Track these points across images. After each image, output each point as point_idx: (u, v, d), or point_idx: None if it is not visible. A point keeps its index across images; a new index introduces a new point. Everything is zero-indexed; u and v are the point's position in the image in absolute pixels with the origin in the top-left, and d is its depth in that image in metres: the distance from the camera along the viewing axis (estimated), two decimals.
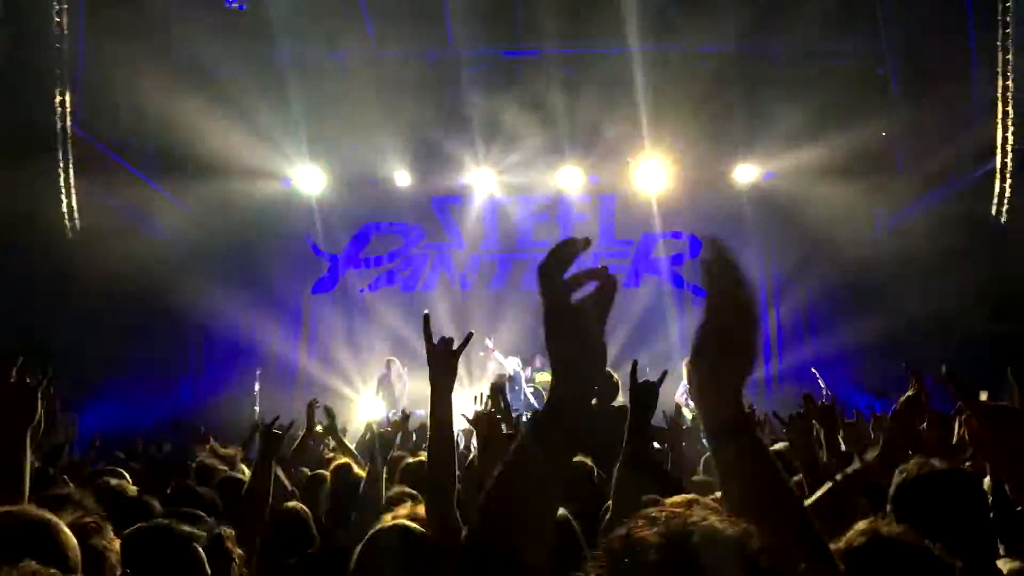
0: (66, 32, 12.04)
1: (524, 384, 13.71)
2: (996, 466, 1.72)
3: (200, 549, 2.22)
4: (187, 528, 2.40)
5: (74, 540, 1.94)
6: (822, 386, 11.22)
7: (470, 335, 2.92)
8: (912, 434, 3.28)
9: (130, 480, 4.99)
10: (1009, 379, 2.08)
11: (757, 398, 12.12)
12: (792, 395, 9.42)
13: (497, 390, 4.56)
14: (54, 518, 1.96)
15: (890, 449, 2.82)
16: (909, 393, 3.10)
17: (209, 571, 2.25)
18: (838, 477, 2.63)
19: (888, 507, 2.46)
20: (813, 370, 12.03)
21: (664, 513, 1.09)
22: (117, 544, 2.22)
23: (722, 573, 1.02)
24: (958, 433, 3.05)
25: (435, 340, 2.83)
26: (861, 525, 2.09)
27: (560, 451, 1.38)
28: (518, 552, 1.30)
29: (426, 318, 2.84)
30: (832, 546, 1.99)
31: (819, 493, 2.58)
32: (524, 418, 4.55)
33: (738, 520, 1.09)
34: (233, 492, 4.39)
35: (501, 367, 13.71)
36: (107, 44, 12.30)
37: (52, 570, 1.23)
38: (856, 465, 2.77)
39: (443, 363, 2.80)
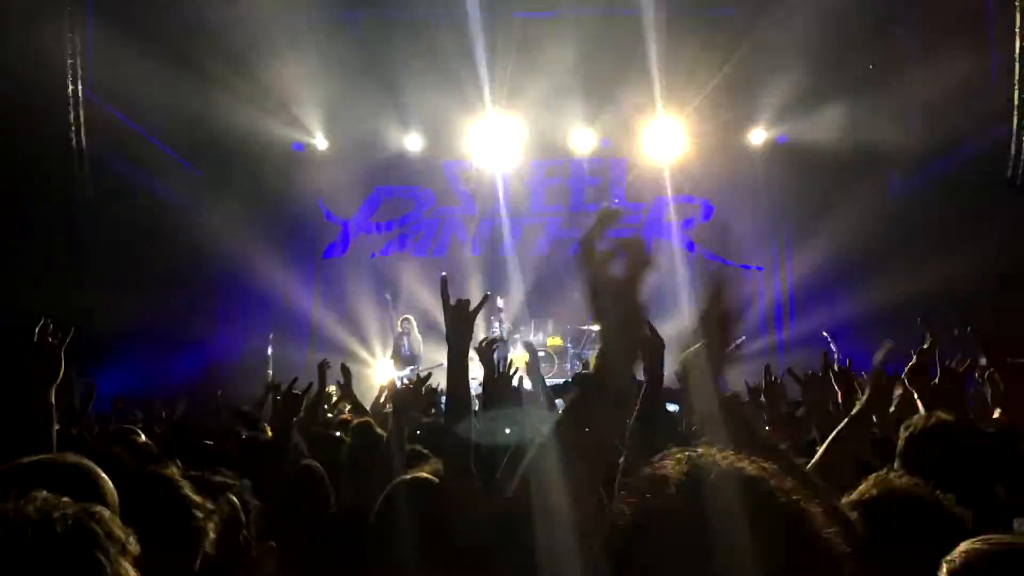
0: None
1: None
2: (1013, 419, 1.76)
3: (194, 501, 2.22)
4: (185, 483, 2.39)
5: (111, 484, 1.98)
6: (834, 350, 11.22)
7: (487, 296, 2.94)
8: (929, 389, 3.32)
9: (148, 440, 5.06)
10: None
11: (771, 360, 12.22)
12: (805, 358, 9.44)
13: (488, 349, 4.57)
14: (91, 463, 2.00)
15: (877, 395, 2.84)
16: (924, 347, 3.13)
17: (203, 524, 2.24)
18: (839, 428, 2.66)
19: (897, 461, 2.50)
20: (825, 334, 12.03)
21: (686, 453, 1.13)
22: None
23: (739, 508, 1.05)
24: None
25: (452, 302, 2.84)
26: (873, 478, 2.12)
27: (610, 415, 1.43)
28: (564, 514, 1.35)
29: (444, 280, 2.84)
30: (845, 499, 2.03)
31: (823, 448, 2.61)
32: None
33: (758, 461, 1.12)
34: (253, 453, 4.47)
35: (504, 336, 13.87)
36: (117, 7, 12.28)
37: (64, 498, 1.27)
38: (853, 413, 2.79)
39: (460, 325, 2.81)
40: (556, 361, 14.78)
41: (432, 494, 2.55)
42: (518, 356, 13.02)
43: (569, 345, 15.16)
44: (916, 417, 2.58)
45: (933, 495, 2.03)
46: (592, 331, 14.12)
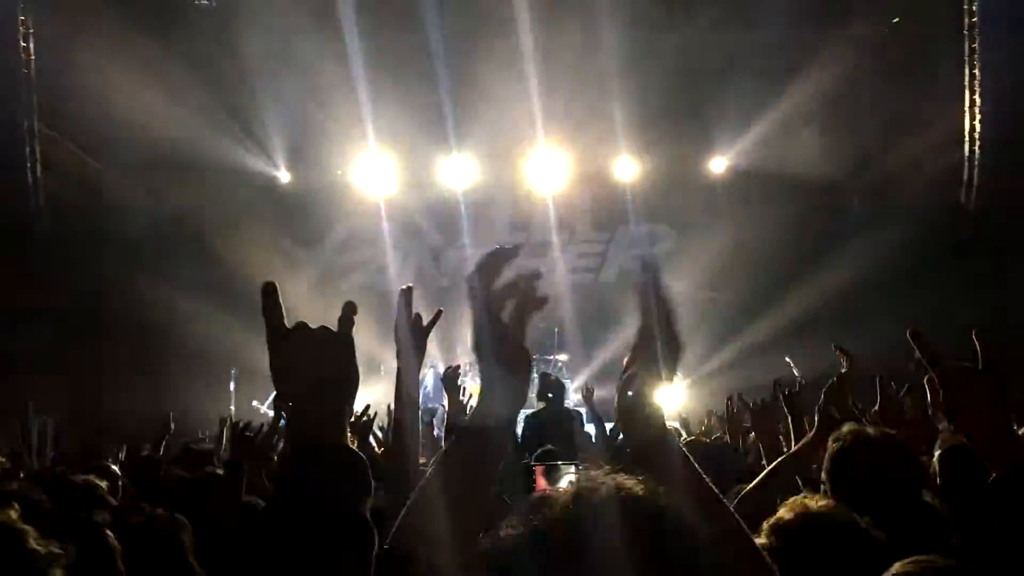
0: (31, 30, 11.96)
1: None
2: (959, 427, 1.76)
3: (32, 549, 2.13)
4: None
5: None
6: (796, 374, 11.25)
7: (439, 313, 2.85)
8: (894, 404, 3.34)
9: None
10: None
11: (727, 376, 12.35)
12: (762, 376, 9.34)
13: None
14: None
15: (825, 429, 2.85)
16: (842, 371, 3.15)
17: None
18: (778, 462, 2.66)
19: (823, 476, 2.50)
20: (787, 359, 12.07)
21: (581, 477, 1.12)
22: None
23: (626, 528, 1.03)
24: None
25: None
26: (789, 502, 2.11)
27: (482, 464, 1.41)
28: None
29: (407, 292, 2.63)
30: (765, 523, 2.02)
31: (759, 478, 2.60)
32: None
33: (650, 481, 1.10)
34: (200, 490, 4.38)
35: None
36: (73, 40, 12.17)
37: None
38: (795, 448, 2.80)
39: (414, 339, 2.70)
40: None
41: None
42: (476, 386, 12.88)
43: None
44: (844, 430, 2.60)
45: (850, 516, 2.02)
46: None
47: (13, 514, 2.11)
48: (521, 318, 1.42)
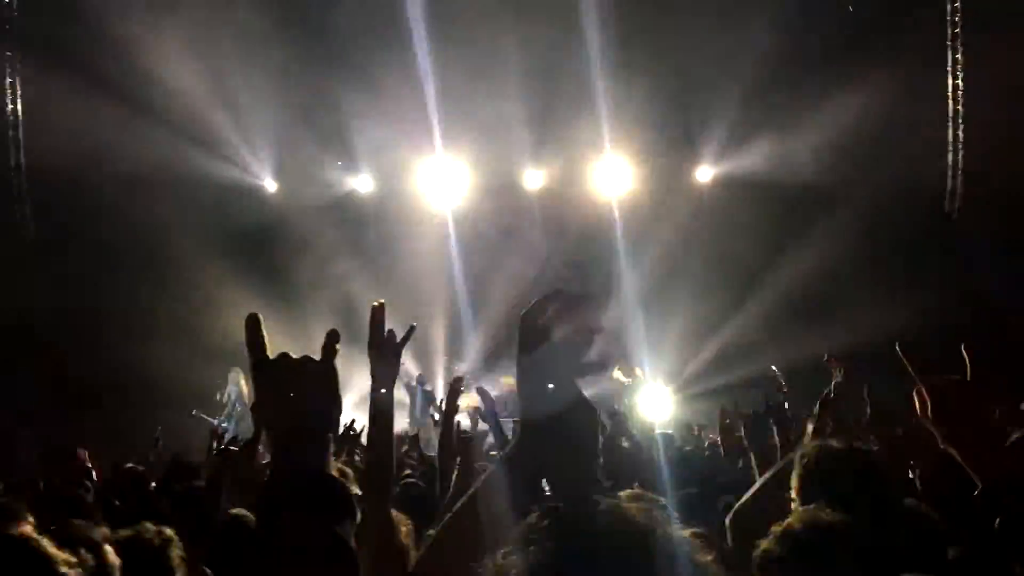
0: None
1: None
2: (948, 438, 1.77)
3: (56, 556, 2.14)
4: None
5: None
6: (782, 382, 11.26)
7: (412, 328, 2.83)
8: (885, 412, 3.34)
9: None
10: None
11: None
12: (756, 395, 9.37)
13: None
14: None
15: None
16: (836, 380, 3.16)
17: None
18: (770, 473, 2.67)
19: (793, 492, 2.51)
20: (773, 368, 12.08)
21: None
22: None
23: (625, 553, 1.05)
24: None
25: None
26: (801, 510, 2.12)
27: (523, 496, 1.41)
28: None
29: (380, 308, 2.55)
30: (773, 529, 2.03)
31: (752, 490, 2.61)
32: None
33: (652, 508, 1.11)
34: (185, 503, 4.35)
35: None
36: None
37: None
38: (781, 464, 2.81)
39: (388, 356, 2.68)
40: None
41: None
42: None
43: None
44: (809, 445, 2.61)
45: (860, 529, 2.04)
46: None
47: (30, 527, 2.11)
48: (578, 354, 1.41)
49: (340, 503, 1.30)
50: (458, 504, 1.48)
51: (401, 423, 12.39)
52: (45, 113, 12.71)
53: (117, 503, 4.87)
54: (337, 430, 1.41)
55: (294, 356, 1.37)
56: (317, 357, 1.38)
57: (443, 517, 1.64)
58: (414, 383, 13.85)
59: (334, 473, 1.34)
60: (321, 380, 1.36)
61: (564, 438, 1.42)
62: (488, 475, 1.49)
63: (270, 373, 1.36)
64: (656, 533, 1.08)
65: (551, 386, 1.41)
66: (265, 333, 1.37)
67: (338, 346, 1.39)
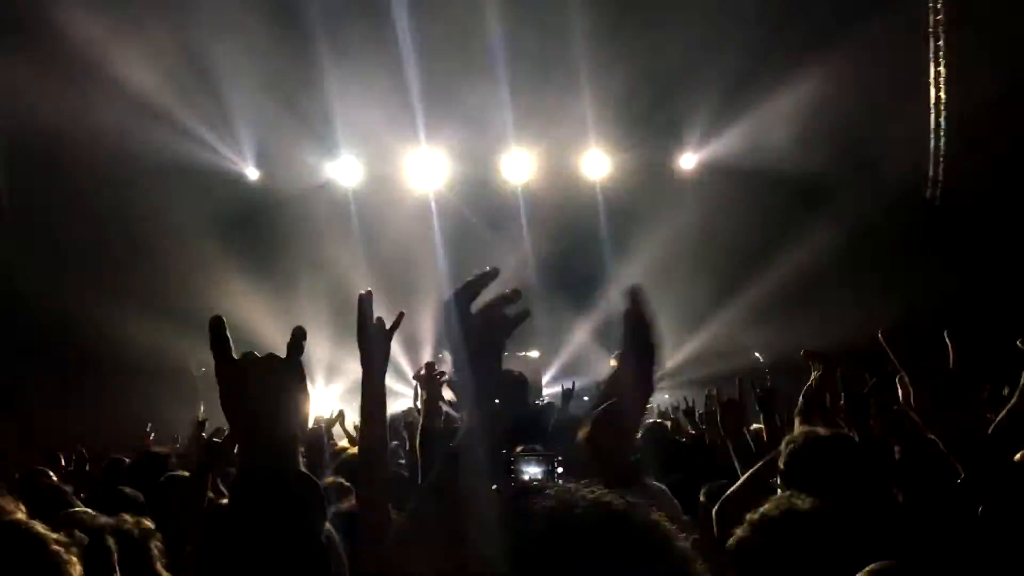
0: None
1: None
2: (930, 426, 1.77)
3: (58, 551, 2.12)
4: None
5: None
6: (766, 371, 11.36)
7: (401, 315, 2.80)
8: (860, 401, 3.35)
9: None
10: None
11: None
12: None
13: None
14: None
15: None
16: (815, 374, 3.17)
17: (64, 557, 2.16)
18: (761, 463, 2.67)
19: (779, 479, 2.51)
20: (756, 354, 12.18)
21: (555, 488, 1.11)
22: None
23: (604, 542, 1.04)
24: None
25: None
26: (775, 498, 2.12)
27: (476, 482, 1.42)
28: None
29: (366, 297, 2.58)
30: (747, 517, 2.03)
31: (739, 482, 2.61)
32: None
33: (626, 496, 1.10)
34: (166, 494, 4.31)
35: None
36: None
37: None
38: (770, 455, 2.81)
39: (378, 344, 2.64)
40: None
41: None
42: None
43: None
44: (796, 432, 2.61)
45: (835, 514, 2.03)
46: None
47: (20, 515, 2.11)
48: (503, 335, 1.46)
49: (308, 501, 1.29)
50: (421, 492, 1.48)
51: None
52: (20, 95, 12.53)
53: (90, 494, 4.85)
54: (305, 426, 1.41)
55: (257, 355, 1.36)
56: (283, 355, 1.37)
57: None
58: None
59: (303, 470, 1.33)
60: (287, 377, 1.36)
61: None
62: (446, 462, 1.50)
63: (234, 373, 1.35)
64: (633, 517, 1.08)
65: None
66: (229, 335, 1.36)
67: (304, 343, 1.38)
